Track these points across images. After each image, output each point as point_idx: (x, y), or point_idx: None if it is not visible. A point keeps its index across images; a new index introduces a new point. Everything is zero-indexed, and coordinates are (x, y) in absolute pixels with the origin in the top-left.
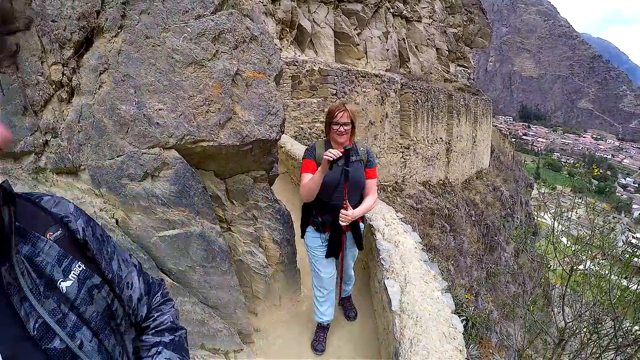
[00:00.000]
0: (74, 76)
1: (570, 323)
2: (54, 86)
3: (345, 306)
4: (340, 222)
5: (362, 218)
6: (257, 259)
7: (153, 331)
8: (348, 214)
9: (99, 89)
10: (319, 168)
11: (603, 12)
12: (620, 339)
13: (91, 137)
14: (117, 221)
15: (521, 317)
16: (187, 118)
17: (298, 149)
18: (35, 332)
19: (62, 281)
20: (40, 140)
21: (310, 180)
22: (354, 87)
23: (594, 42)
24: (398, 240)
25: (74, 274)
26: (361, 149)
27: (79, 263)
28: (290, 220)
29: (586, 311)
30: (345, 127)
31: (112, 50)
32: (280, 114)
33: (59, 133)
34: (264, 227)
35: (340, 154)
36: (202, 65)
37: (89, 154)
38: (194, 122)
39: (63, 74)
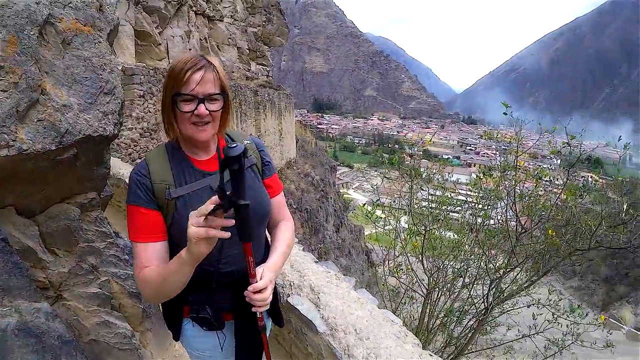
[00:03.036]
0: None
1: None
2: None
3: None
4: (254, 310)
5: None
6: (117, 330)
7: None
8: (257, 291)
9: None
10: (183, 252)
11: (384, 14)
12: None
13: None
14: None
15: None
16: None
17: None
18: None
19: None
20: None
21: (166, 273)
22: (161, 87)
23: (376, 40)
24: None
25: None
26: (246, 141)
27: None
28: None
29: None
30: (212, 106)
31: None
32: (118, 93)
33: None
34: (110, 278)
35: (221, 200)
36: None
37: None
38: None
39: None
